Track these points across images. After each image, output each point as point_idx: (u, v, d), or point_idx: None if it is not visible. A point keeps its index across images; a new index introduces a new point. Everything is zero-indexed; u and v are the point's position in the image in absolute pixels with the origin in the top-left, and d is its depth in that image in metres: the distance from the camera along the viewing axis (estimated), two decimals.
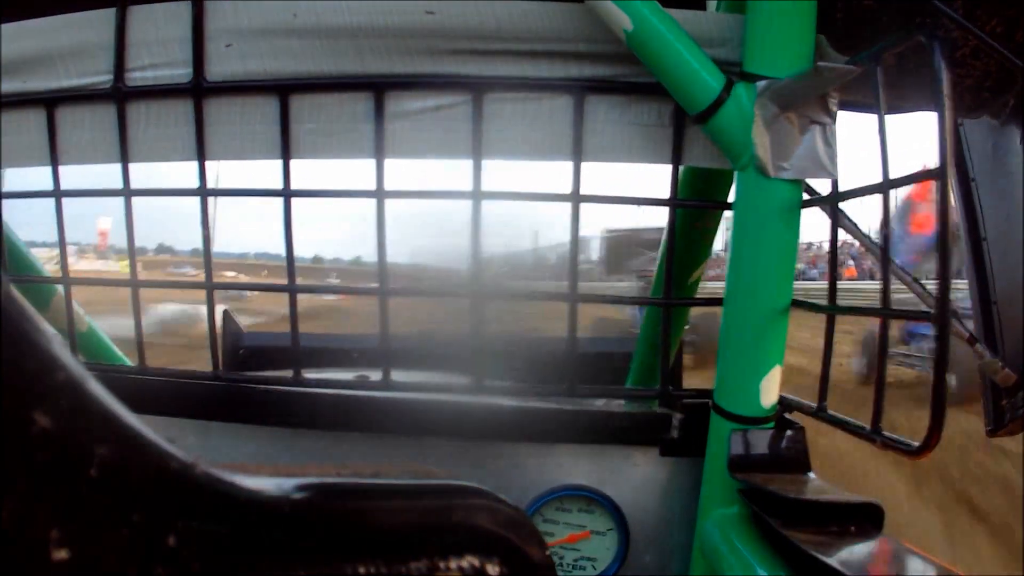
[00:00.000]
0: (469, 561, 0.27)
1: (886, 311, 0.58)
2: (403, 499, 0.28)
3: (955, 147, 0.73)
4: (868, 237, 0.72)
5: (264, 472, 0.26)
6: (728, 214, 0.71)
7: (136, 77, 0.72)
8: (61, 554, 0.20)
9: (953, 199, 0.79)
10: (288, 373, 0.76)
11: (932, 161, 0.49)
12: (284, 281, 0.75)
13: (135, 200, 0.75)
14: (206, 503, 0.24)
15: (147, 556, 0.22)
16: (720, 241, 1.05)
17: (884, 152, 0.58)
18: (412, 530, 0.27)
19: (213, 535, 0.24)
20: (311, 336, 1.28)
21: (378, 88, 0.70)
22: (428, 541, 0.27)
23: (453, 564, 0.27)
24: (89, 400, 0.21)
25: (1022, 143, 0.72)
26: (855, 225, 0.69)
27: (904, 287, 0.63)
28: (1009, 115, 0.71)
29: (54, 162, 0.75)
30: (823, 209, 0.69)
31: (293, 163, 0.72)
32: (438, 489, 0.29)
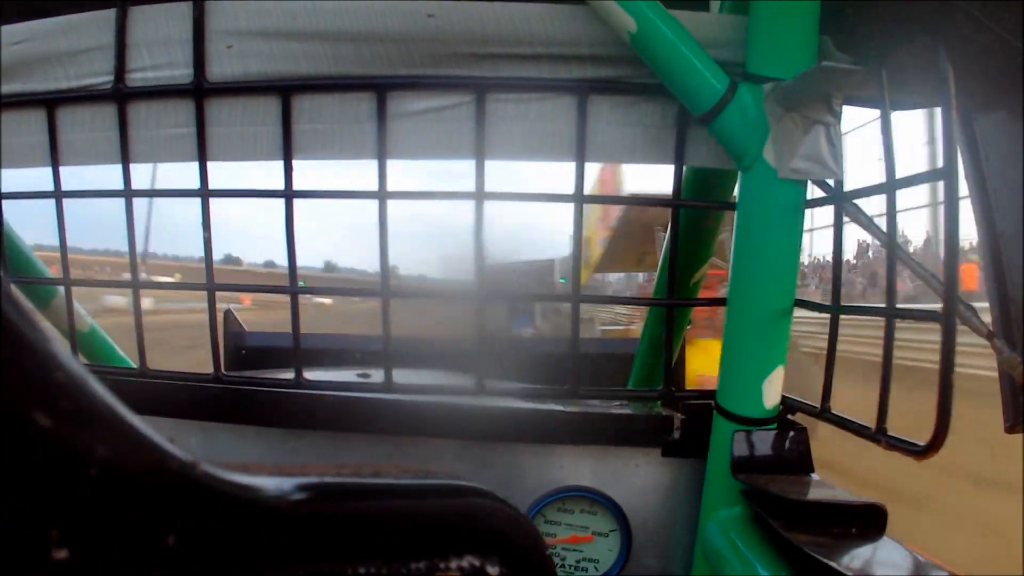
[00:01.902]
0: (469, 561, 0.27)
1: (891, 310, 0.58)
2: (403, 499, 0.28)
3: (970, 142, 0.73)
4: (880, 230, 0.72)
5: (264, 472, 0.26)
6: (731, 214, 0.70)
7: (137, 78, 0.72)
8: (61, 554, 0.20)
9: (970, 195, 0.78)
10: (290, 374, 0.76)
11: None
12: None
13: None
14: (206, 503, 0.24)
15: (147, 556, 0.22)
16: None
17: (889, 151, 0.57)
18: (412, 530, 0.27)
19: (213, 535, 0.24)
20: (313, 336, 1.28)
21: (380, 89, 0.70)
22: (428, 541, 0.27)
23: (453, 564, 0.27)
24: (89, 400, 0.21)
25: None
26: (869, 219, 0.69)
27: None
28: None
29: (55, 163, 0.75)
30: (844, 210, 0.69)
31: (295, 163, 0.72)
32: (438, 489, 0.29)
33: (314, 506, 0.26)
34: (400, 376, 0.75)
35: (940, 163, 0.50)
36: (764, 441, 0.66)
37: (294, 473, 0.26)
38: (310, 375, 0.76)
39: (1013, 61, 0.62)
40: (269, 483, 0.25)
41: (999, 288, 0.75)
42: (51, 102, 0.74)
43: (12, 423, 0.19)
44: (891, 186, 0.57)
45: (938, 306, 0.52)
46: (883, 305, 0.59)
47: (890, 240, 0.60)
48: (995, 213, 0.75)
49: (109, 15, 0.71)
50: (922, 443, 0.53)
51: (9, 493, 0.20)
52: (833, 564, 0.49)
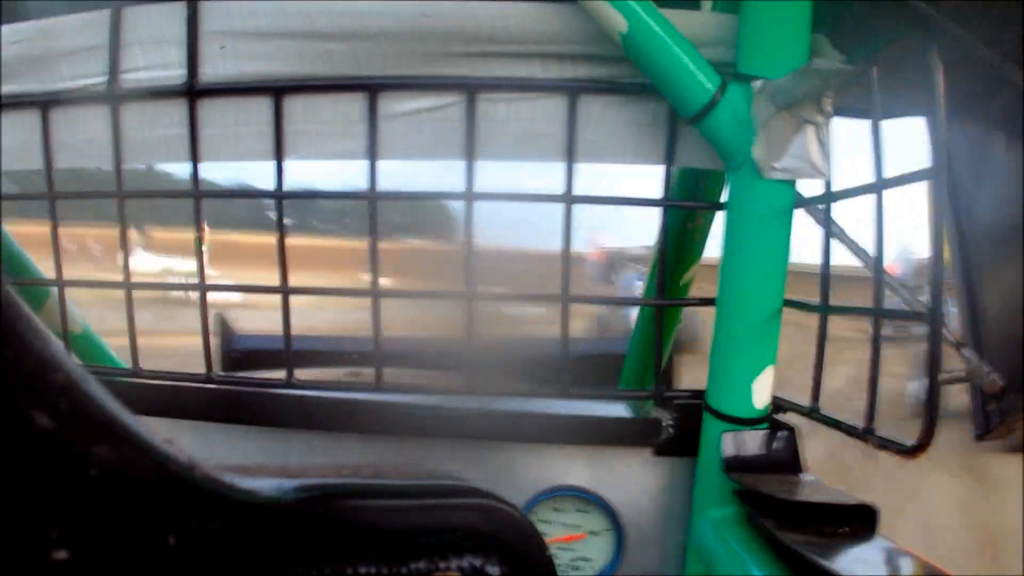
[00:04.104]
0: (469, 561, 0.27)
1: (878, 311, 0.59)
2: (403, 499, 0.28)
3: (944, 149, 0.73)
4: (855, 242, 0.72)
5: (264, 472, 0.26)
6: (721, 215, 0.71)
7: (130, 79, 0.72)
8: (61, 554, 0.20)
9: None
10: (282, 374, 0.76)
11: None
12: None
13: None
14: (206, 503, 0.24)
15: (147, 556, 0.22)
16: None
17: (878, 153, 0.58)
18: (412, 530, 0.27)
19: (213, 535, 0.24)
20: (304, 338, 1.28)
21: (372, 89, 0.70)
22: (428, 541, 0.27)
23: (453, 564, 0.27)
24: (88, 401, 0.21)
25: (1010, 147, 0.72)
26: (841, 230, 0.70)
27: None
28: (998, 119, 0.71)
29: (48, 164, 0.75)
30: (809, 212, 0.69)
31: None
32: (438, 489, 0.29)
33: (314, 506, 0.26)
34: (392, 376, 0.75)
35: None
36: (755, 441, 0.67)
37: (294, 474, 0.26)
38: (302, 375, 0.76)
39: (988, 71, 0.63)
40: (268, 484, 0.25)
41: (969, 298, 0.76)
42: (45, 103, 0.74)
43: (12, 423, 0.19)
44: (879, 186, 0.58)
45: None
46: (870, 306, 0.60)
47: (876, 243, 0.61)
48: (965, 223, 0.76)
49: (103, 16, 0.71)
50: (910, 442, 0.53)
51: (9, 493, 0.20)
52: (824, 563, 0.49)
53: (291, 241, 0.75)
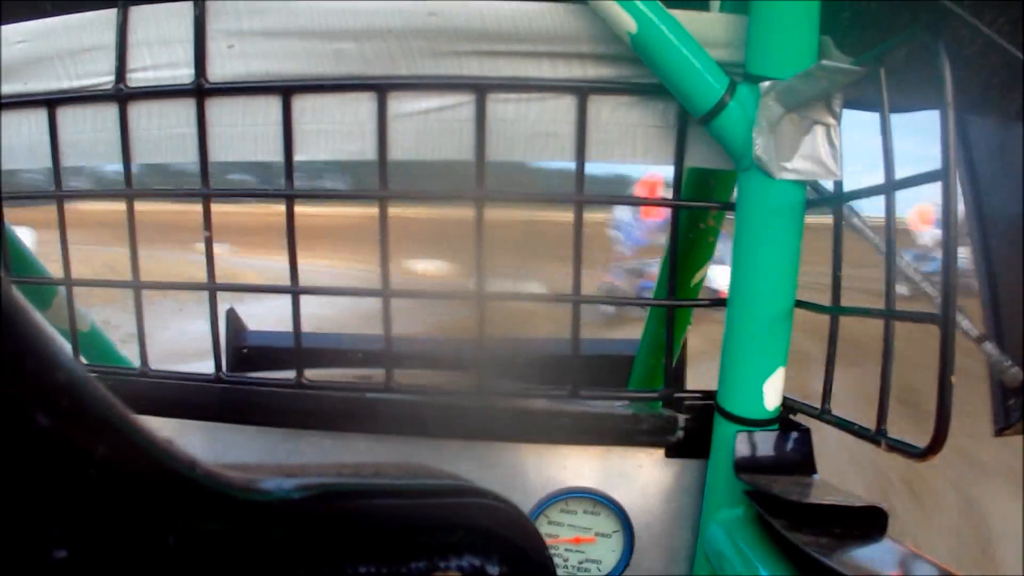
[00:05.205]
0: (469, 561, 0.27)
1: (890, 312, 0.58)
2: (403, 499, 0.28)
3: (963, 145, 0.73)
4: (876, 235, 0.72)
5: (264, 472, 0.26)
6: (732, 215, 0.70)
7: (138, 78, 0.72)
8: (61, 554, 0.20)
9: (962, 198, 0.78)
10: (291, 374, 0.76)
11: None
12: None
13: None
14: (206, 503, 0.24)
15: (147, 556, 0.22)
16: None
17: (888, 153, 0.57)
18: (412, 530, 0.27)
19: (213, 535, 0.24)
20: (315, 336, 1.28)
21: (381, 89, 0.70)
22: (428, 541, 0.27)
23: (453, 564, 0.27)
24: (89, 400, 0.21)
25: None
26: (864, 223, 0.69)
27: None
28: (1018, 113, 0.71)
29: (55, 163, 0.75)
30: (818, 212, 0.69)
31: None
32: (438, 489, 0.29)
33: (314, 506, 0.26)
34: (402, 376, 0.75)
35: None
36: (766, 442, 0.66)
37: (294, 473, 0.26)
38: (312, 375, 0.76)
39: (1007, 65, 0.62)
40: (269, 483, 0.25)
41: (991, 292, 0.75)
42: (52, 102, 0.74)
43: (12, 423, 0.19)
44: (890, 187, 0.57)
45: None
46: (882, 307, 0.59)
47: (888, 242, 0.60)
48: (987, 216, 0.75)
49: (110, 15, 0.71)
50: (922, 445, 0.53)
51: (9, 492, 0.20)
52: (834, 564, 0.49)
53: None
